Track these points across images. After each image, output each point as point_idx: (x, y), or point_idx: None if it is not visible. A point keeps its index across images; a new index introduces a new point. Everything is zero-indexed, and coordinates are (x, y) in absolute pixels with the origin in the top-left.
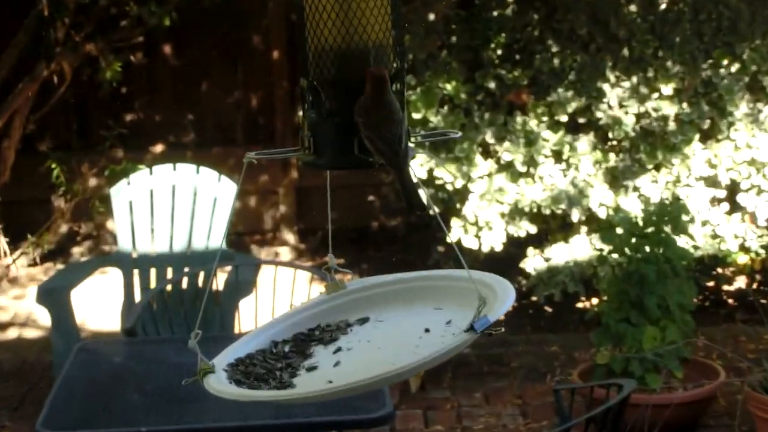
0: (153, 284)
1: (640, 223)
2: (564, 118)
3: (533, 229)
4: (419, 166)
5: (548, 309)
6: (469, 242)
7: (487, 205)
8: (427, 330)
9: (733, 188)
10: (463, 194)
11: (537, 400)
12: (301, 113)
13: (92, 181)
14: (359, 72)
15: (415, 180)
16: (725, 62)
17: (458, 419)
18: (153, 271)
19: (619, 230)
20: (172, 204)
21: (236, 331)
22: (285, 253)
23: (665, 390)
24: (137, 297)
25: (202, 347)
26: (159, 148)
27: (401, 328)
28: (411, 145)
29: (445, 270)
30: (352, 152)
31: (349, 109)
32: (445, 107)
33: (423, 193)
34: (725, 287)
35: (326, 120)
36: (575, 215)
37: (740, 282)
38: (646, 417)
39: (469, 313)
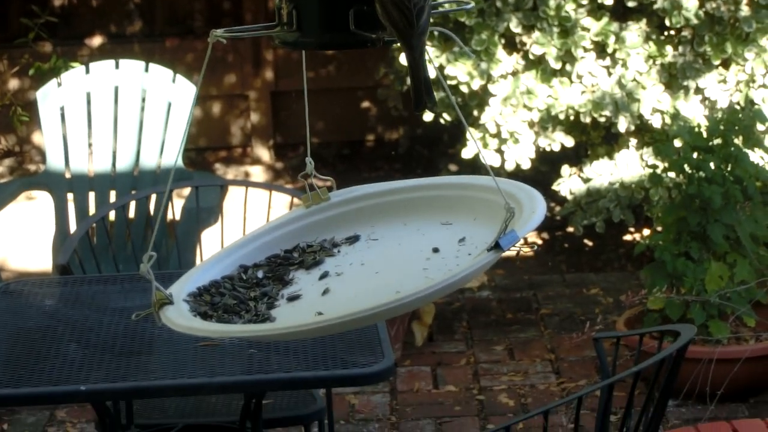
0: (92, 211)
1: (704, 134)
2: (609, 2)
3: (569, 142)
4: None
5: (588, 242)
6: (490, 158)
7: (512, 112)
8: (435, 249)
9: None
10: (481, 98)
11: (573, 354)
12: None
13: (13, 83)
14: None
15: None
16: None
17: (475, 378)
18: (92, 195)
19: (678, 143)
20: (114, 111)
21: None
22: (258, 174)
23: (733, 341)
24: (72, 227)
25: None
26: (97, 40)
27: (402, 248)
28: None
29: (452, 176)
30: (345, 28)
31: None
32: None
33: (436, 96)
34: None
35: None
36: (622, 124)
37: None
38: (709, 374)
39: (487, 228)
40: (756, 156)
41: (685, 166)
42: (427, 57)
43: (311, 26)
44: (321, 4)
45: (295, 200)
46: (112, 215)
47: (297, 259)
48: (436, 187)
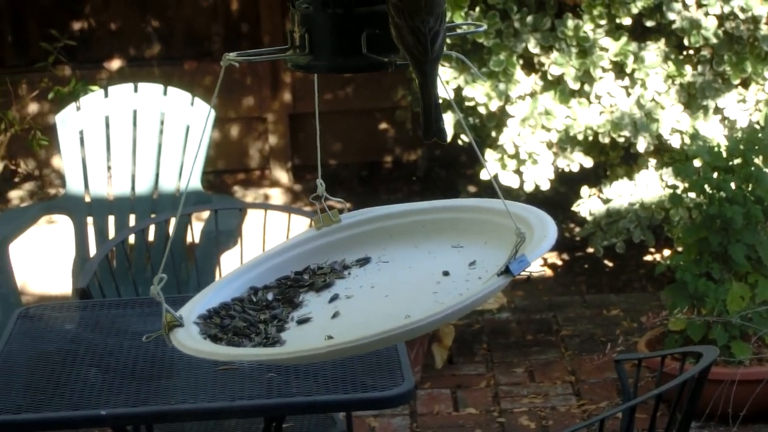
0: (111, 235)
1: (724, 154)
2: (627, 21)
3: (588, 163)
4: (444, 83)
5: (608, 263)
6: (508, 179)
7: (531, 133)
8: (446, 273)
9: None
10: (499, 119)
11: (594, 375)
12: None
13: (32, 107)
14: None
15: (440, 100)
16: None
17: (495, 400)
18: (111, 219)
19: (697, 163)
20: (133, 134)
21: None
22: (277, 196)
23: (755, 362)
24: (92, 251)
25: (171, 308)
26: (116, 63)
27: (413, 271)
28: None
29: (462, 199)
30: (358, 51)
31: None
32: (477, 9)
33: (453, 118)
34: None
35: (324, 11)
36: (641, 144)
37: None
38: (731, 395)
39: (498, 252)
40: None
41: (706, 186)
42: (440, 80)
43: (323, 49)
44: (333, 28)
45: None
46: (131, 239)
47: (307, 282)
48: (448, 209)
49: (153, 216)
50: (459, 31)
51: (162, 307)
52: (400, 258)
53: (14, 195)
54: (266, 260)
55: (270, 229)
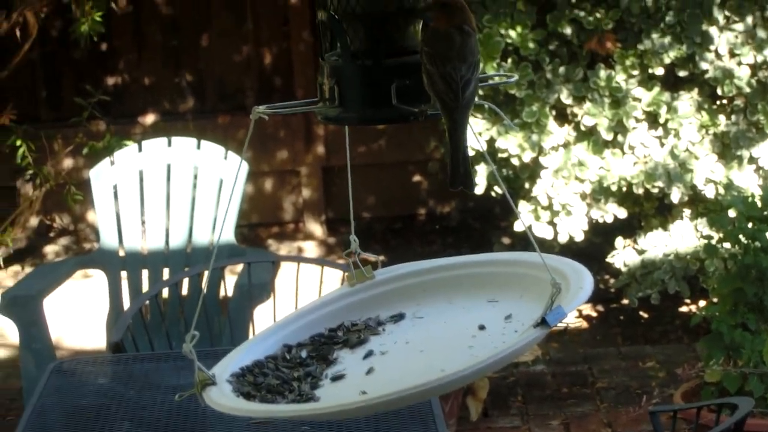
0: (145, 289)
1: (759, 203)
2: (660, 72)
3: (622, 214)
4: (477, 135)
5: (643, 314)
6: (542, 231)
7: (564, 184)
8: (481, 327)
9: None
10: (533, 170)
11: (630, 428)
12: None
13: (67, 162)
14: (391, 2)
15: (469, 149)
16: None
17: None
18: (145, 273)
19: (732, 213)
20: (167, 188)
21: None
22: (311, 249)
23: None
24: (126, 305)
25: (204, 362)
26: (150, 118)
27: (448, 326)
28: (478, 99)
29: (497, 253)
30: (387, 102)
31: (382, 48)
32: (509, 60)
33: (486, 169)
34: None
35: (352, 63)
36: (675, 195)
37: None
38: None
39: (534, 304)
40: None
41: (740, 236)
42: (472, 131)
43: (353, 101)
44: (362, 80)
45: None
46: (165, 292)
47: (341, 338)
48: (481, 264)
49: (186, 270)
50: (491, 82)
51: (194, 365)
52: (435, 313)
53: (49, 250)
54: (299, 317)
55: (303, 282)
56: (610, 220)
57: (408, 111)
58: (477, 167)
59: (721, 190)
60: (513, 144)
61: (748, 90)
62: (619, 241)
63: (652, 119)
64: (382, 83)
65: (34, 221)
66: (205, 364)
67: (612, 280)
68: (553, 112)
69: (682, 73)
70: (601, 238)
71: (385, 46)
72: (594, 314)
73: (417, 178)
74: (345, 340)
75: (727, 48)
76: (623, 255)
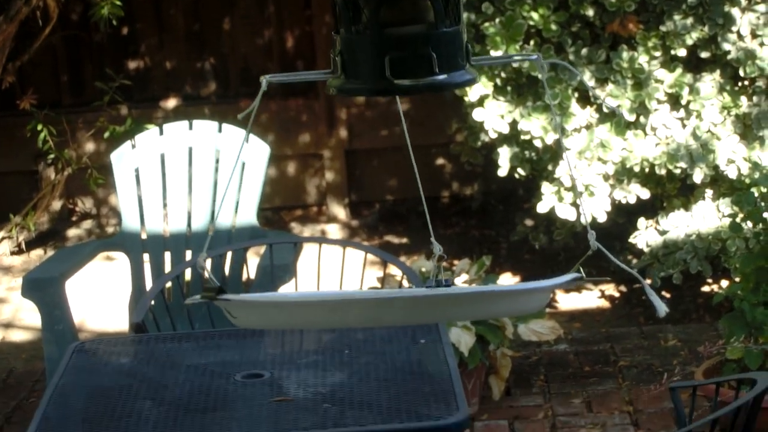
0: (167, 270)
1: None
2: (682, 53)
3: (645, 194)
4: (499, 117)
5: (665, 294)
6: (565, 212)
7: (587, 165)
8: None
9: None
10: (555, 152)
11: (651, 405)
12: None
13: (89, 146)
14: None
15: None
16: None
17: (553, 431)
18: (167, 255)
19: (755, 192)
20: (189, 172)
21: None
22: (334, 231)
23: None
24: (148, 287)
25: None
26: (171, 102)
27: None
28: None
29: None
30: (382, 75)
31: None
32: (532, 42)
33: (509, 152)
34: None
35: (354, 34)
36: (698, 175)
37: None
38: None
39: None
40: None
41: (764, 215)
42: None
43: (358, 73)
44: (363, 51)
45: (378, 273)
46: (187, 274)
47: None
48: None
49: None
50: (513, 60)
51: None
52: None
53: (72, 233)
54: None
55: (325, 264)
56: (632, 200)
57: (402, 85)
58: (500, 149)
59: (744, 171)
60: (536, 126)
61: None
62: (642, 222)
63: (674, 101)
64: (380, 55)
65: (56, 205)
66: (227, 345)
67: (634, 261)
68: (576, 94)
69: (704, 55)
70: (623, 218)
71: (386, 16)
72: (616, 294)
73: (440, 161)
74: None
75: (749, 29)
76: (646, 235)
